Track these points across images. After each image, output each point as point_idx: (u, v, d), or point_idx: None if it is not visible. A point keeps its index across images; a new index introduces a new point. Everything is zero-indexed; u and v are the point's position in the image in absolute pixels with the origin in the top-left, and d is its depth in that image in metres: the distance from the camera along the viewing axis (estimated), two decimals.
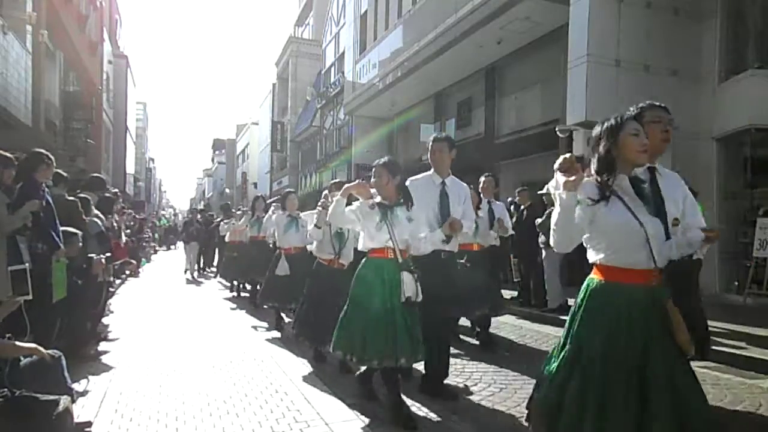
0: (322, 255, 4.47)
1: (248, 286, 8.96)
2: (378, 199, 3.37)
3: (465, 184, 4.03)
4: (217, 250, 13.72)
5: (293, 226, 5.85)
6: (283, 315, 6.23)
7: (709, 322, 4.59)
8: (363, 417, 3.26)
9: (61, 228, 4.27)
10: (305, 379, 4.15)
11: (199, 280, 12.96)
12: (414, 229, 3.36)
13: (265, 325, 6.58)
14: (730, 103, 7.65)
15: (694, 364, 3.51)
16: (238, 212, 9.17)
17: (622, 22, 7.71)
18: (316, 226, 4.25)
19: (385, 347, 3.11)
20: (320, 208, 4.21)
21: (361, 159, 17.28)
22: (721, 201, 7.82)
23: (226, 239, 9.70)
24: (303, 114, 26.86)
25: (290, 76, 28.13)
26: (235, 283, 9.78)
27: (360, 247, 3.73)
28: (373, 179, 3.44)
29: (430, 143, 3.88)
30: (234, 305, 8.52)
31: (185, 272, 13.70)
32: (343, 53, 19.43)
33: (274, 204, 7.88)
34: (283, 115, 29.48)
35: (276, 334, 6.03)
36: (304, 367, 4.53)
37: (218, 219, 13.02)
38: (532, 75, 10.86)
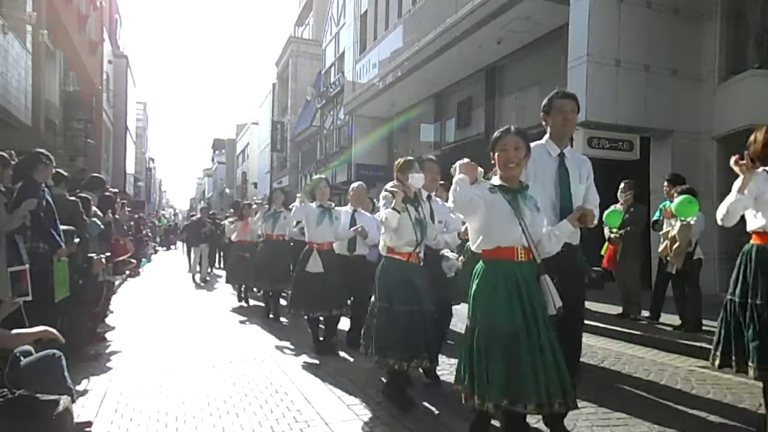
0: (401, 248, 3.54)
1: (255, 293, 8.55)
2: (497, 180, 2.63)
3: (585, 157, 3.28)
4: (221, 253, 13.16)
5: (326, 218, 5.09)
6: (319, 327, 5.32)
7: (710, 322, 4.59)
8: (363, 417, 3.26)
9: (64, 227, 4.27)
10: (305, 379, 4.15)
11: (208, 282, 12.27)
12: (540, 221, 2.60)
13: (265, 325, 6.58)
14: (730, 103, 7.65)
15: (695, 363, 3.53)
16: (254, 205, 7.91)
17: (622, 22, 7.70)
18: (393, 209, 3.41)
19: (536, 388, 2.30)
20: (395, 189, 3.50)
21: (361, 159, 17.29)
22: (720, 201, 7.81)
23: (233, 239, 8.61)
24: (303, 114, 26.85)
25: (290, 76, 28.13)
26: (243, 288, 8.61)
27: (444, 245, 3.64)
28: (499, 152, 2.65)
29: (552, 101, 2.99)
30: (234, 306, 8.51)
31: (195, 277, 12.58)
32: (343, 53, 19.42)
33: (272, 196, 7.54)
34: (283, 115, 29.48)
35: (275, 333, 6.03)
36: (304, 367, 4.53)
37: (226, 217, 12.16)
38: (532, 75, 10.85)
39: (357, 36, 17.25)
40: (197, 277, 12.49)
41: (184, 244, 18.97)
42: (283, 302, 7.26)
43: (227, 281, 9.02)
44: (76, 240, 4.45)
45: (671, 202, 5.52)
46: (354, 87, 17.12)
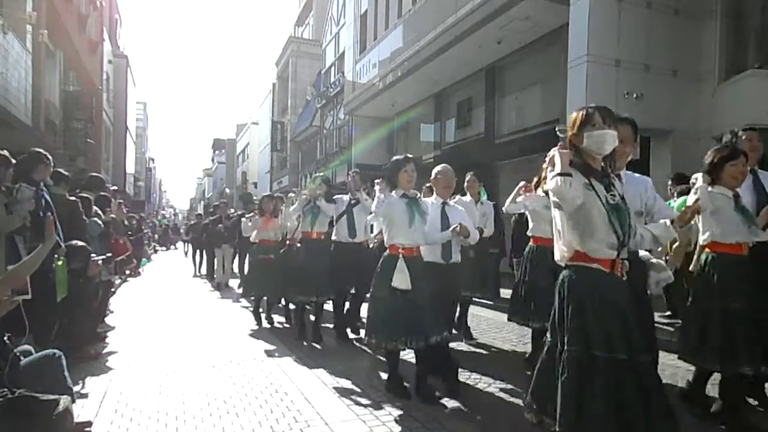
0: (597, 252, 2.23)
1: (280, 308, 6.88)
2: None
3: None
4: (239, 256, 10.69)
5: (416, 213, 3.64)
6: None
7: None
8: (363, 417, 3.26)
9: (71, 243, 4.27)
10: (305, 379, 4.15)
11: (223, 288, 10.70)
12: None
13: (267, 325, 6.58)
14: (730, 103, 7.65)
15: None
16: (291, 194, 5.90)
17: (622, 22, 7.70)
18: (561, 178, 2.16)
19: None
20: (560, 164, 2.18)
21: (361, 159, 17.29)
22: None
23: (252, 238, 6.91)
24: (303, 114, 26.86)
25: (290, 76, 28.13)
26: (266, 301, 6.76)
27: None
28: (608, 131, 2.20)
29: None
30: (233, 304, 8.50)
31: (213, 281, 11.35)
32: (343, 53, 19.42)
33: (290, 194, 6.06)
34: (283, 114, 29.49)
35: (275, 333, 6.01)
36: (304, 367, 4.53)
37: (236, 213, 10.60)
38: (532, 75, 10.85)
39: (357, 36, 17.25)
40: (213, 281, 11.30)
41: (186, 245, 18.77)
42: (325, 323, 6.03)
43: (244, 293, 7.54)
44: (80, 243, 4.44)
45: (674, 201, 5.53)
46: (354, 87, 17.11)
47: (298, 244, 5.66)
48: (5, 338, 2.65)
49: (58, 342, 3.59)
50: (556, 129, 8.55)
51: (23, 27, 9.32)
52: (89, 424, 3.05)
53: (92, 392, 3.76)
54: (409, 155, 3.87)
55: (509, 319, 4.44)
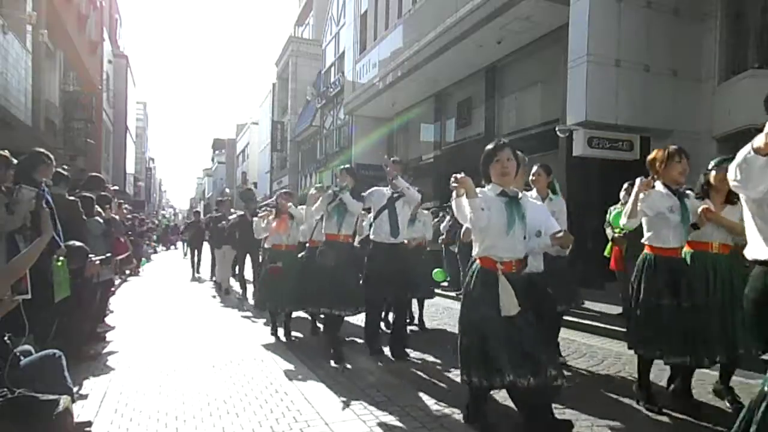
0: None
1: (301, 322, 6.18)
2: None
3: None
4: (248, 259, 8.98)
5: (516, 215, 2.82)
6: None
7: None
8: (363, 417, 3.26)
9: (69, 243, 4.27)
10: (305, 379, 4.15)
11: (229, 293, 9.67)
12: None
13: (265, 325, 6.57)
14: (730, 103, 7.65)
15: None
16: (312, 190, 4.91)
17: (622, 22, 7.70)
18: None
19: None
20: None
21: (361, 159, 17.29)
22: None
23: (266, 244, 6.16)
24: (303, 114, 26.86)
25: (290, 76, 28.14)
26: (286, 313, 5.79)
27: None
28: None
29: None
30: (234, 304, 8.50)
31: (221, 287, 9.97)
32: (343, 53, 19.43)
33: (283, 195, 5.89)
34: (283, 114, 29.50)
35: (275, 334, 5.99)
36: (304, 367, 4.53)
37: (235, 214, 9.16)
38: (532, 75, 10.86)
39: (357, 36, 17.25)
40: (221, 286, 9.98)
41: (185, 245, 18.56)
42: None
43: (257, 304, 6.38)
44: (77, 243, 4.44)
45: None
46: (354, 87, 17.12)
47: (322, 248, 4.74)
48: (5, 338, 2.65)
49: (58, 342, 3.59)
50: (556, 129, 8.56)
51: (23, 27, 9.32)
52: (89, 424, 3.05)
53: (92, 392, 3.76)
54: (504, 140, 2.99)
55: (632, 349, 3.52)
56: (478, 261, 2.92)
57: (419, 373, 4.26)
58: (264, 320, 6.61)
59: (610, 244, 6.39)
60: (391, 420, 3.22)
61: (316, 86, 24.53)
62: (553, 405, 2.99)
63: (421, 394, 3.70)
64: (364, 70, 16.20)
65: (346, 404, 3.50)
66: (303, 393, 3.75)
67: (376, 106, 16.17)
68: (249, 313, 7.55)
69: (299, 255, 5.38)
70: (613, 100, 7.65)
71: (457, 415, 3.35)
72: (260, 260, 8.01)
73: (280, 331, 5.83)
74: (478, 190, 2.75)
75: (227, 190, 46.71)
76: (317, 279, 4.75)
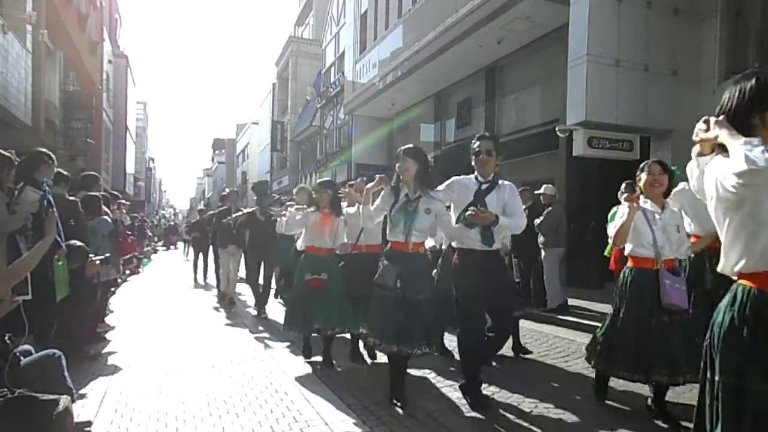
0: None
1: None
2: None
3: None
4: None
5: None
6: None
7: None
8: (363, 417, 3.26)
9: (69, 242, 4.27)
10: (305, 379, 4.15)
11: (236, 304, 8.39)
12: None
13: (265, 326, 6.57)
14: None
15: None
16: (369, 184, 3.70)
17: (622, 22, 7.70)
18: None
19: None
20: None
21: (361, 159, 17.29)
22: None
23: (299, 245, 4.77)
24: (303, 114, 26.86)
25: (290, 76, 28.14)
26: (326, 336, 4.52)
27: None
28: None
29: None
30: (235, 305, 8.49)
31: (222, 295, 8.69)
32: (343, 53, 19.43)
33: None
34: (283, 114, 29.49)
35: (275, 334, 5.98)
36: (304, 367, 4.53)
37: (243, 210, 7.68)
38: (532, 75, 10.86)
39: (357, 36, 17.25)
40: (225, 296, 8.53)
41: (187, 246, 18.37)
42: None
43: (287, 324, 4.66)
44: (78, 243, 4.44)
45: None
46: (354, 87, 17.12)
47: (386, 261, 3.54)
48: (5, 338, 2.65)
49: (58, 342, 3.60)
50: (556, 129, 8.56)
51: (23, 27, 9.32)
52: (89, 424, 3.05)
53: (92, 392, 3.76)
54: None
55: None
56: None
57: (419, 373, 4.25)
58: (265, 322, 6.60)
59: (610, 244, 6.38)
60: (392, 420, 3.22)
61: (316, 86, 24.53)
62: (558, 407, 2.99)
63: (422, 394, 3.70)
64: (364, 70, 16.20)
65: (346, 404, 3.50)
66: (303, 393, 3.75)
67: (376, 106, 16.17)
68: (249, 314, 7.54)
69: (340, 264, 4.47)
70: (613, 100, 7.65)
71: (459, 414, 3.35)
72: (278, 266, 7.00)
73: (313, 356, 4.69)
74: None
75: (227, 190, 46.63)
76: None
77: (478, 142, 3.56)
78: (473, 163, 3.59)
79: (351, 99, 17.25)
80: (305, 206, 4.78)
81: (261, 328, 6.45)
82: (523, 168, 10.60)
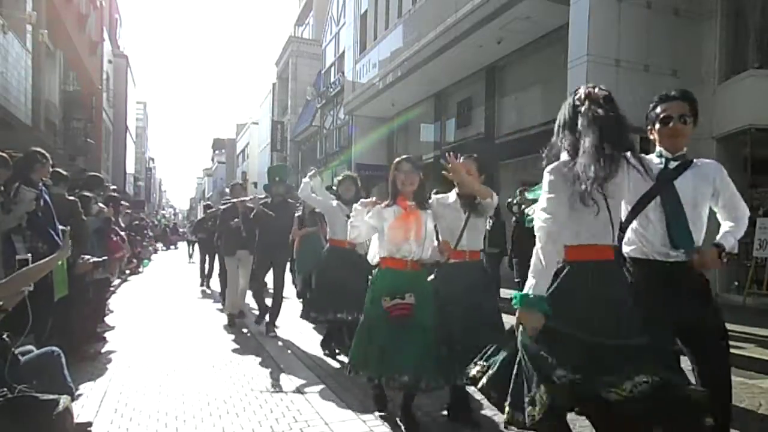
0: None
1: None
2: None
3: None
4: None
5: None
6: None
7: None
8: (363, 417, 3.26)
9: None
10: (305, 379, 4.15)
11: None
12: None
13: (265, 326, 6.55)
14: (730, 103, 7.65)
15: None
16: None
17: (622, 22, 7.70)
18: None
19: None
20: None
21: (361, 159, 17.28)
22: None
23: (371, 257, 3.34)
24: (303, 114, 26.87)
25: (290, 76, 28.14)
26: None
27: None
28: None
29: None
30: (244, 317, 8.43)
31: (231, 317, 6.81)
32: (343, 53, 19.42)
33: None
34: (283, 114, 29.50)
35: (275, 334, 5.98)
36: (304, 367, 4.53)
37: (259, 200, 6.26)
38: (532, 75, 10.85)
39: (357, 36, 17.25)
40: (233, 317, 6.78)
41: (192, 247, 18.21)
42: None
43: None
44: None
45: None
46: (354, 87, 17.12)
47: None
48: (4, 336, 2.65)
49: (56, 341, 3.59)
50: None
51: (23, 27, 9.33)
52: (89, 424, 3.05)
53: (92, 392, 3.76)
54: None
55: None
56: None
57: None
58: (265, 321, 6.57)
59: None
60: (392, 420, 3.21)
61: (316, 86, 24.53)
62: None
63: (421, 395, 3.70)
64: (364, 70, 16.20)
65: (346, 404, 3.50)
66: (303, 393, 3.75)
67: (376, 106, 16.17)
68: (249, 314, 7.53)
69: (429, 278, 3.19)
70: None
71: (457, 415, 3.34)
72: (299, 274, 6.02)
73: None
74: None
75: (227, 190, 46.63)
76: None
77: (664, 104, 2.67)
78: (653, 135, 2.68)
79: (351, 99, 17.24)
80: (374, 199, 3.25)
81: (261, 328, 6.44)
82: (523, 168, 10.60)
